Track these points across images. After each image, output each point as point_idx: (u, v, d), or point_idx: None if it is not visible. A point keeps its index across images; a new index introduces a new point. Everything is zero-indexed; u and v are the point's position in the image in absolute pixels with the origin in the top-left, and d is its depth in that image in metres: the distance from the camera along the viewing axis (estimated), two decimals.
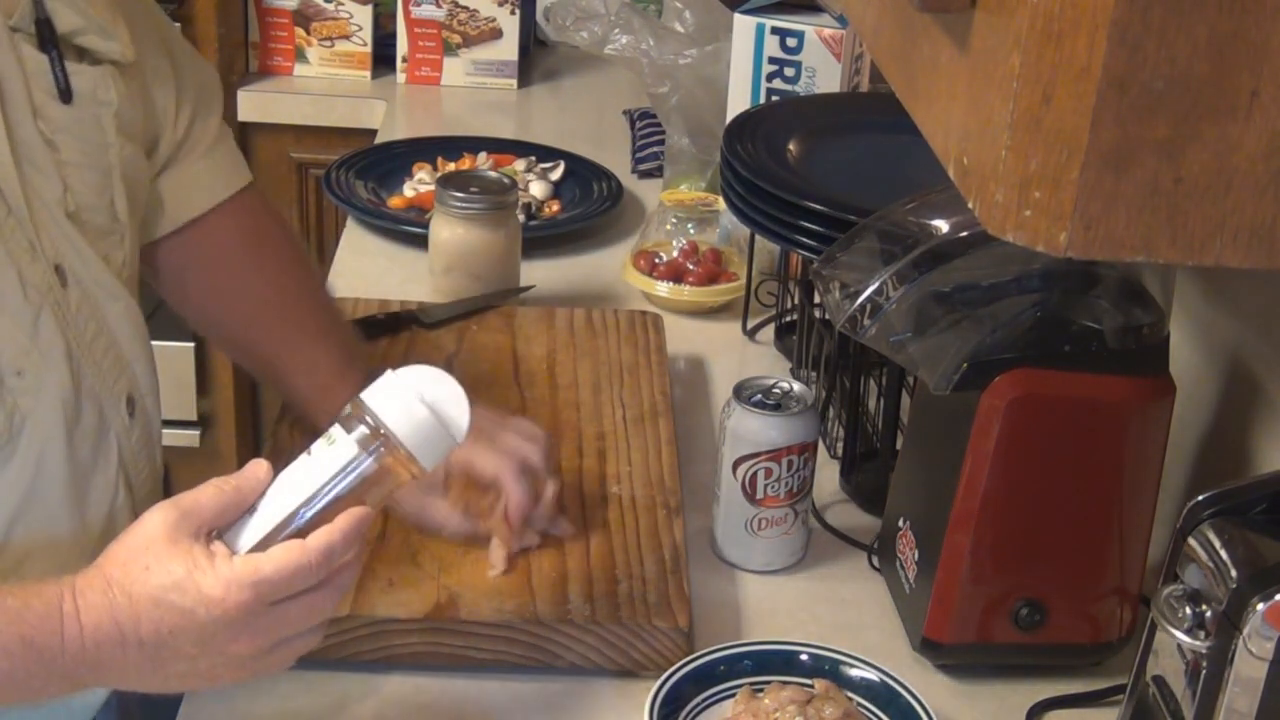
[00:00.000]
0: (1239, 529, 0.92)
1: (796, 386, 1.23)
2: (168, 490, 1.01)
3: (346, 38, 2.45)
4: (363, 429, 0.90)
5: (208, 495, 0.89)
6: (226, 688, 1.05)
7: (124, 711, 1.18)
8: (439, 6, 2.42)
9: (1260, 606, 0.86)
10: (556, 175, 2.02)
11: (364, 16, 2.44)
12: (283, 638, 0.90)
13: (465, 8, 2.43)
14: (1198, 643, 0.90)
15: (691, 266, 1.69)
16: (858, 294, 1.10)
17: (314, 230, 2.47)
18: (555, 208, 1.94)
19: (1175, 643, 0.92)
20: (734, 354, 1.62)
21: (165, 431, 1.17)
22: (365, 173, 2.00)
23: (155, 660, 0.87)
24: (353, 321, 1.49)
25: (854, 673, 1.08)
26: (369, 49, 2.45)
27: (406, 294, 1.64)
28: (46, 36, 1.02)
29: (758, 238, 1.54)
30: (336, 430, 0.90)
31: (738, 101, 1.76)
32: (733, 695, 1.07)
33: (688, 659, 1.08)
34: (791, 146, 1.52)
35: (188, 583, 0.85)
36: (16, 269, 0.98)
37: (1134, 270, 1.10)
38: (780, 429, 1.20)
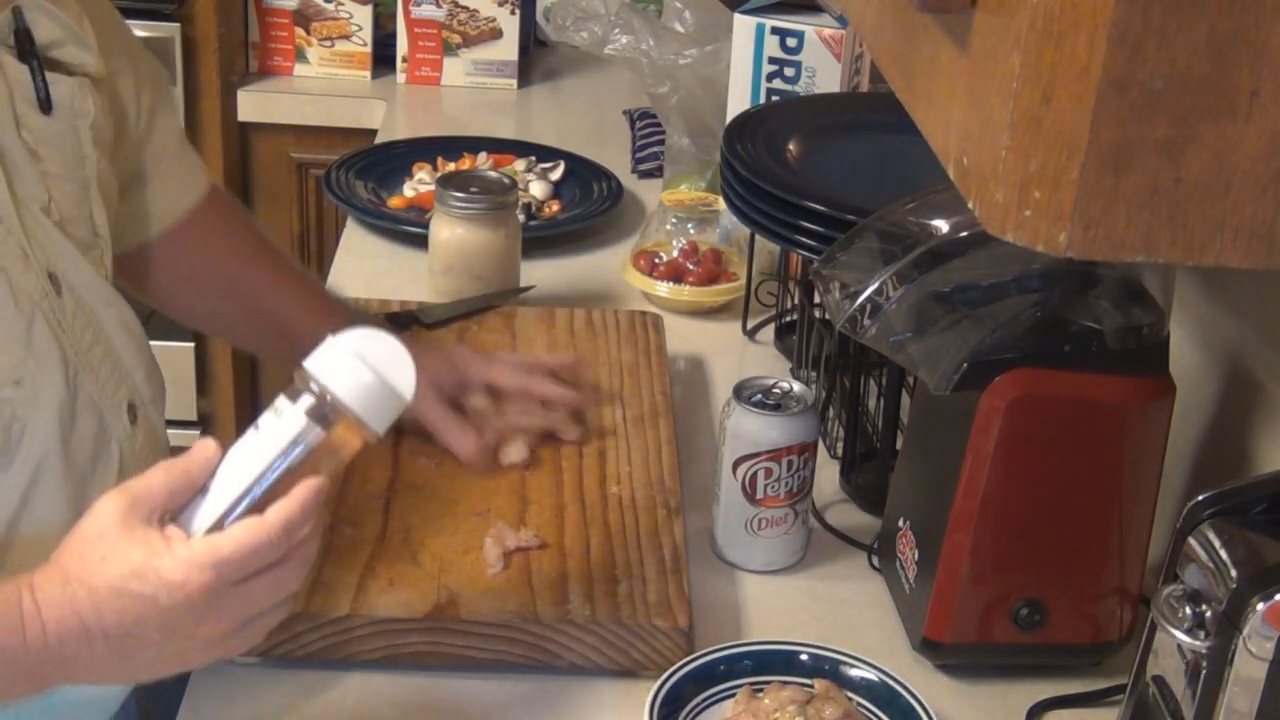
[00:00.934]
0: (1239, 529, 0.92)
1: (796, 386, 1.23)
2: None
3: (346, 38, 2.45)
4: (308, 398, 0.88)
5: (158, 479, 0.87)
6: (226, 688, 1.06)
7: (144, 713, 1.18)
8: (439, 6, 2.42)
9: (1260, 606, 0.86)
10: (556, 175, 2.02)
11: (364, 16, 2.44)
12: (249, 616, 0.88)
13: (465, 8, 2.43)
14: (1198, 643, 0.90)
15: (691, 266, 1.69)
16: (858, 294, 1.10)
17: (314, 230, 2.47)
18: (555, 208, 1.94)
19: (1175, 643, 0.92)
20: (734, 354, 1.62)
21: (162, 416, 1.17)
22: (365, 173, 2.00)
23: (121, 651, 0.86)
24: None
25: (854, 673, 1.08)
26: (369, 49, 2.46)
27: (406, 294, 1.64)
28: (26, 48, 1.02)
29: (758, 238, 1.54)
30: (282, 401, 0.88)
31: (738, 101, 1.76)
32: (733, 695, 1.07)
33: (688, 659, 1.08)
34: (791, 146, 1.52)
35: (147, 569, 0.84)
36: (7, 278, 0.98)
37: (1134, 270, 1.10)
38: (780, 429, 1.20)
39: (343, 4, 2.43)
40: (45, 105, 1.03)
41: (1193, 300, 1.26)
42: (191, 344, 2.48)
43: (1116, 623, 1.13)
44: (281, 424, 0.88)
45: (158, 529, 0.86)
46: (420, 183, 1.97)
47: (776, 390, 1.22)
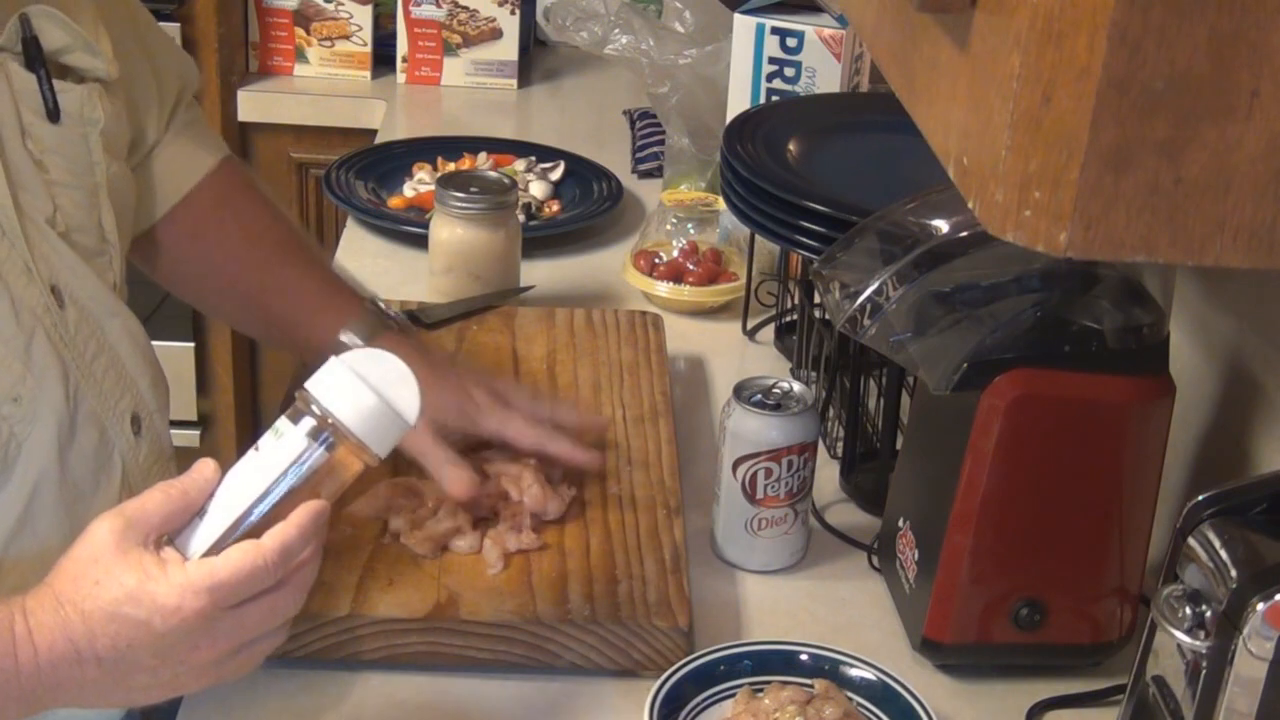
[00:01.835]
0: (1239, 529, 0.92)
1: (796, 386, 1.23)
2: None
3: (346, 38, 2.45)
4: (310, 420, 0.86)
5: (154, 501, 0.85)
6: (225, 688, 1.06)
7: (144, 713, 1.18)
8: (439, 6, 2.42)
9: (1260, 606, 0.86)
10: (556, 175, 2.02)
11: (364, 16, 2.44)
12: (244, 641, 0.87)
13: (465, 8, 2.43)
14: (1198, 643, 0.90)
15: (691, 266, 1.69)
16: (858, 294, 1.10)
17: (314, 230, 2.47)
18: (555, 208, 1.94)
19: (1175, 643, 0.92)
20: (734, 354, 1.62)
21: (166, 425, 1.17)
22: (365, 173, 2.00)
23: (115, 675, 0.85)
24: None
25: (854, 673, 1.08)
26: (369, 49, 2.46)
27: (406, 294, 1.63)
28: (34, 55, 1.01)
29: (758, 238, 1.54)
30: (283, 423, 0.87)
31: (738, 101, 1.76)
32: (733, 695, 1.07)
33: (688, 659, 1.08)
34: (791, 146, 1.52)
35: (141, 593, 0.83)
36: (10, 294, 0.97)
37: (1134, 270, 1.10)
38: (780, 429, 1.20)
39: (343, 4, 2.43)
40: (53, 114, 1.02)
41: (1193, 300, 1.26)
42: (191, 344, 2.48)
43: (1116, 623, 1.13)
44: (282, 446, 0.86)
45: (153, 552, 0.84)
46: (420, 183, 1.97)
47: (776, 390, 1.22)
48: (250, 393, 2.59)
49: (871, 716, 1.06)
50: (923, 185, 1.17)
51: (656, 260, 1.70)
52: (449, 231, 1.59)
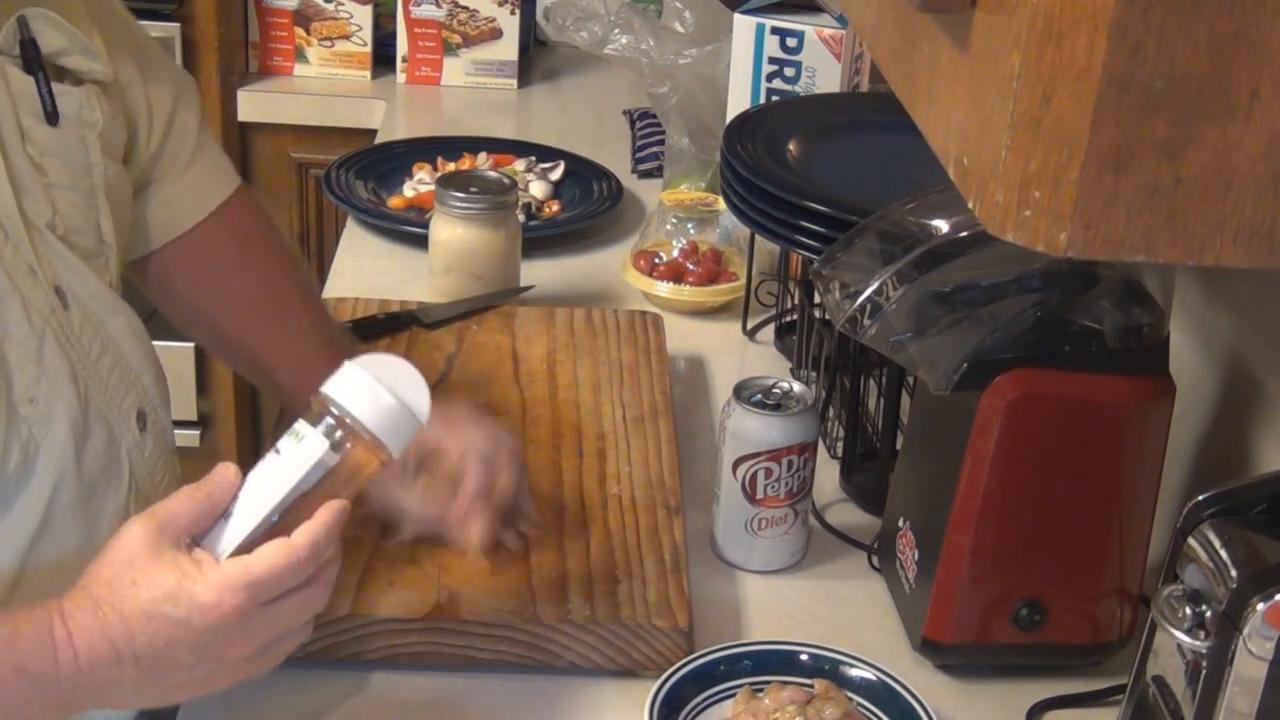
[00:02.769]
0: (1239, 529, 0.92)
1: (796, 386, 1.23)
2: None
3: (346, 38, 2.45)
4: (328, 420, 0.90)
5: (181, 504, 0.88)
6: (226, 689, 1.06)
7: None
8: (439, 6, 2.42)
9: (1260, 606, 0.86)
10: (556, 175, 2.02)
11: (364, 16, 2.44)
12: (276, 636, 0.90)
13: (465, 8, 2.43)
14: (1198, 643, 0.90)
15: (691, 266, 1.69)
16: (858, 294, 1.10)
17: (314, 230, 2.47)
18: (555, 208, 1.94)
19: (1175, 643, 0.92)
20: (734, 354, 1.62)
21: (169, 419, 1.17)
22: (365, 173, 2.00)
23: (152, 674, 0.87)
24: (353, 322, 1.49)
25: (854, 673, 1.08)
26: (369, 49, 2.46)
27: (406, 294, 1.64)
28: (31, 58, 1.01)
29: (758, 238, 1.54)
30: (302, 425, 0.90)
31: (738, 101, 1.76)
32: (733, 695, 1.07)
33: (688, 659, 1.08)
34: (791, 146, 1.52)
35: (179, 593, 0.85)
36: (20, 296, 0.98)
37: (1134, 270, 1.10)
38: (780, 429, 1.20)
39: (343, 4, 2.43)
40: (52, 117, 1.02)
41: (1193, 300, 1.26)
42: (191, 344, 2.48)
43: (1116, 623, 1.13)
44: (302, 448, 0.90)
45: (186, 553, 0.87)
46: (420, 183, 1.97)
47: (776, 390, 1.22)
48: (250, 393, 2.58)
49: (871, 716, 1.06)
50: (923, 185, 1.17)
51: (656, 260, 1.70)
52: (449, 231, 1.59)
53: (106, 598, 0.86)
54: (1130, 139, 0.58)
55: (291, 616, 0.90)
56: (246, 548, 0.88)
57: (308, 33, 2.44)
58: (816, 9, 1.76)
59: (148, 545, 0.86)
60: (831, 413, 1.43)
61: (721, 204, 1.62)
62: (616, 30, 1.94)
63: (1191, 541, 0.93)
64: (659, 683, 1.05)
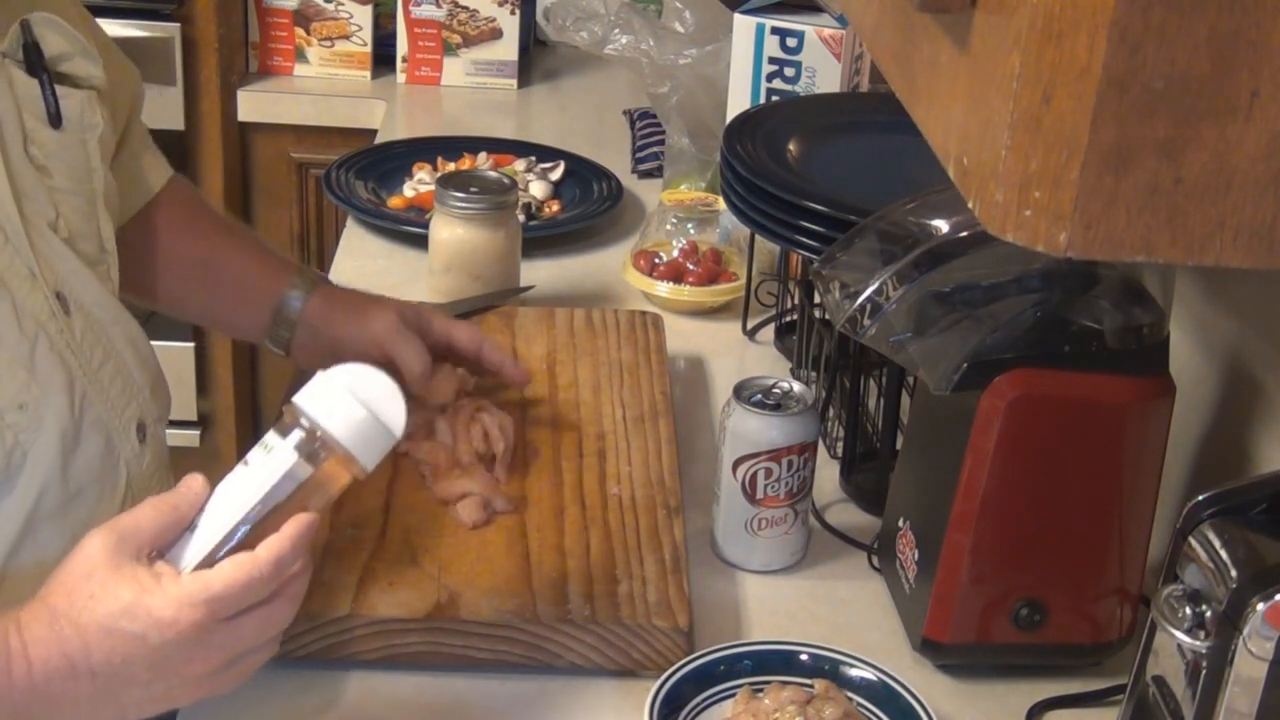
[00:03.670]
0: (1239, 529, 0.92)
1: (796, 386, 1.23)
2: None
3: (346, 38, 2.45)
4: (299, 433, 0.87)
5: (146, 516, 0.86)
6: None
7: None
8: (439, 6, 2.42)
9: (1260, 606, 0.86)
10: (556, 175, 2.02)
11: (364, 16, 2.44)
12: (238, 653, 0.87)
13: (465, 8, 2.43)
14: (1198, 643, 0.90)
15: (691, 266, 1.69)
16: (858, 294, 1.10)
17: (314, 230, 2.47)
18: (555, 208, 1.94)
19: (1175, 643, 0.92)
20: (734, 354, 1.62)
21: (165, 432, 1.17)
22: (365, 173, 2.00)
23: (108, 690, 0.84)
24: None
25: (854, 673, 1.08)
26: (369, 49, 2.46)
27: (406, 294, 1.63)
28: (35, 61, 1.01)
29: (758, 238, 1.54)
30: (272, 437, 0.88)
31: (738, 101, 1.76)
32: (733, 695, 1.07)
33: (688, 659, 1.08)
34: (791, 146, 1.52)
35: (137, 607, 0.83)
36: (12, 300, 0.97)
37: (1134, 270, 1.10)
38: (780, 429, 1.20)
39: (343, 4, 2.43)
40: (55, 120, 1.02)
41: (1193, 300, 1.26)
42: (191, 344, 2.48)
43: (1116, 623, 1.13)
44: (271, 460, 0.87)
45: (147, 566, 0.85)
46: (420, 183, 1.97)
47: (776, 390, 1.22)
48: (250, 393, 2.59)
49: (871, 716, 1.06)
50: (923, 185, 1.17)
51: (656, 260, 1.70)
52: (449, 231, 1.59)
53: (64, 610, 0.84)
54: (1130, 139, 0.58)
55: (254, 633, 0.87)
56: (211, 561, 0.86)
57: (308, 33, 2.44)
58: (816, 9, 1.76)
59: (107, 557, 0.84)
60: (831, 413, 1.43)
61: (721, 204, 1.62)
62: (616, 30, 1.94)
63: (1191, 541, 0.93)
64: (659, 683, 1.05)
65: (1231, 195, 0.59)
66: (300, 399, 0.88)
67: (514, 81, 2.47)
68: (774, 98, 1.74)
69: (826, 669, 1.09)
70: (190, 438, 2.53)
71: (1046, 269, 1.07)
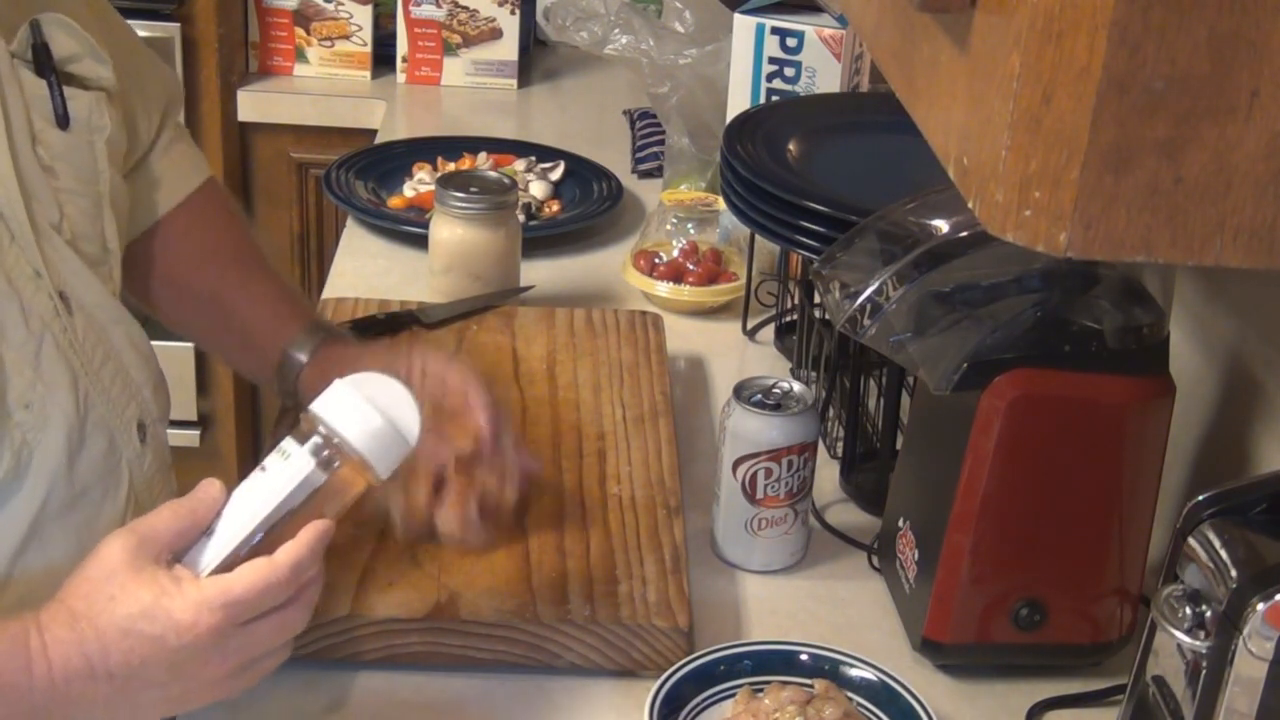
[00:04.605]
0: (1239, 529, 0.92)
1: (796, 386, 1.23)
2: None
3: (346, 38, 2.45)
4: (316, 439, 0.88)
5: (164, 519, 0.87)
6: None
7: None
8: (439, 6, 2.42)
9: (1260, 606, 0.86)
10: (556, 175, 2.02)
11: (364, 16, 2.44)
12: (253, 657, 0.88)
13: (465, 8, 2.43)
14: (1198, 643, 0.90)
15: (691, 266, 1.69)
16: (858, 294, 1.10)
17: (314, 230, 2.47)
18: (555, 208, 1.94)
19: (1175, 643, 0.92)
20: (734, 354, 1.62)
21: (166, 433, 1.17)
22: (365, 173, 2.00)
23: (126, 692, 0.85)
24: (353, 322, 1.49)
25: (854, 673, 1.08)
26: (369, 49, 2.46)
27: (406, 294, 1.63)
28: (44, 62, 1.02)
29: (758, 238, 1.54)
30: (289, 443, 0.89)
31: (738, 101, 1.76)
32: (733, 695, 1.07)
33: (688, 659, 1.08)
34: (791, 146, 1.52)
35: (156, 609, 0.84)
36: (19, 299, 0.97)
37: (1134, 270, 1.10)
38: (780, 429, 1.20)
39: (343, 4, 2.43)
40: (63, 120, 1.02)
41: (1193, 300, 1.26)
42: (192, 345, 2.48)
43: (1116, 623, 1.13)
44: (288, 466, 0.88)
45: (166, 569, 0.86)
46: (420, 183, 1.97)
47: (776, 390, 1.22)
48: (250, 393, 2.58)
49: (871, 716, 1.06)
50: (923, 185, 1.17)
51: (656, 260, 1.70)
52: (449, 231, 1.59)
53: (83, 611, 0.85)
54: (1130, 139, 0.58)
55: (270, 637, 0.88)
56: (228, 565, 0.87)
57: (308, 33, 2.44)
58: (816, 9, 1.76)
59: (127, 560, 0.85)
60: (831, 413, 1.43)
61: (721, 204, 1.62)
62: (616, 30, 1.94)
63: (1191, 541, 0.93)
64: (659, 683, 1.05)
65: (1231, 195, 0.59)
66: (318, 407, 0.89)
67: (514, 81, 2.47)
68: (774, 98, 1.74)
69: (826, 669, 1.09)
70: (190, 438, 2.53)
71: (1046, 269, 1.07)
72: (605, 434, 1.34)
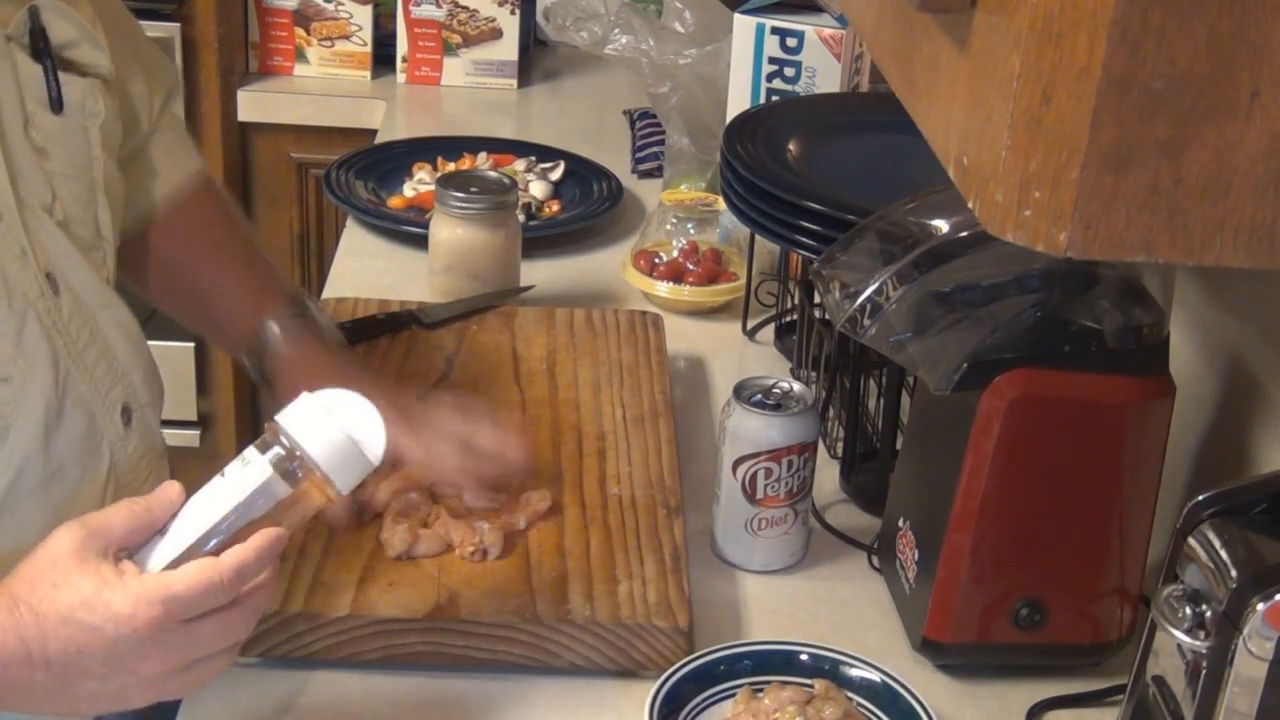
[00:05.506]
0: (1239, 529, 0.92)
1: (796, 386, 1.23)
2: None
3: (346, 38, 2.45)
4: (278, 450, 0.88)
5: (118, 515, 0.87)
6: (226, 688, 1.06)
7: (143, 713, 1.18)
8: (439, 6, 2.42)
9: (1260, 606, 0.86)
10: (556, 175, 2.02)
11: (364, 16, 2.44)
12: (195, 657, 0.88)
13: (465, 8, 2.43)
14: (1198, 643, 0.90)
15: (691, 266, 1.69)
16: (858, 294, 1.10)
17: (314, 230, 2.47)
18: (555, 208, 1.94)
19: (1175, 643, 0.92)
20: (734, 354, 1.62)
21: (165, 432, 1.17)
22: (365, 173, 2.00)
23: (63, 680, 0.85)
24: (353, 322, 1.49)
25: (854, 673, 1.08)
26: (369, 49, 2.45)
27: (406, 294, 1.63)
28: (41, 47, 1.02)
29: (758, 238, 1.54)
30: (251, 452, 0.89)
31: (738, 101, 1.76)
32: (733, 695, 1.07)
33: (688, 659, 1.08)
34: (791, 146, 1.52)
35: (96, 600, 0.84)
36: (3, 276, 0.97)
37: (1134, 270, 1.10)
38: (780, 429, 1.20)
39: (343, 4, 2.43)
40: (56, 105, 1.03)
41: (1193, 300, 1.26)
42: (191, 344, 2.48)
43: (1116, 623, 1.13)
44: (247, 474, 0.88)
45: (111, 562, 0.86)
46: (420, 183, 1.97)
47: (776, 390, 1.22)
48: (250, 393, 2.58)
49: (871, 716, 1.06)
50: (923, 185, 1.17)
51: (656, 260, 1.70)
52: (449, 231, 1.59)
53: (25, 596, 0.85)
54: (1130, 139, 0.58)
55: (211, 638, 0.88)
56: (176, 567, 0.87)
57: (308, 33, 2.44)
58: (816, 9, 1.76)
59: (74, 550, 0.85)
60: (831, 413, 1.43)
61: (721, 204, 1.62)
62: (616, 30, 1.94)
63: (1191, 541, 0.93)
64: (659, 683, 1.05)
65: (1231, 195, 0.59)
66: (282, 418, 0.89)
67: (514, 81, 2.47)
68: (774, 98, 1.74)
69: (826, 669, 1.09)
70: (190, 438, 2.53)
71: (1046, 269, 1.07)
72: (605, 434, 1.34)
